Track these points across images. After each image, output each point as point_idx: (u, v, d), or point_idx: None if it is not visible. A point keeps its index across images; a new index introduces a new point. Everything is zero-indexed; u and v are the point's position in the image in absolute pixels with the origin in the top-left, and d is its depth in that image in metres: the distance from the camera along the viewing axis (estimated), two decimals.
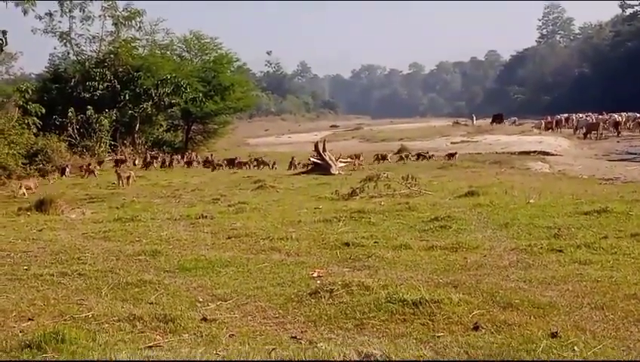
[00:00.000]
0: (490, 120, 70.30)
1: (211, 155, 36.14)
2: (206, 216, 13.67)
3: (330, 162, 27.00)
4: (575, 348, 5.52)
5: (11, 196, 20.08)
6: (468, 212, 13.00)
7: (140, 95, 39.97)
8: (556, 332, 5.82)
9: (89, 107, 35.88)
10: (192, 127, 50.03)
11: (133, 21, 42.74)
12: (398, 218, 12.75)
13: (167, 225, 12.86)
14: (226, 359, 5.48)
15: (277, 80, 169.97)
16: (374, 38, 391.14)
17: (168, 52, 48.88)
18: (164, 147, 44.89)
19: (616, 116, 53.49)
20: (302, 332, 6.17)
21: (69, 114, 34.99)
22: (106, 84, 39.19)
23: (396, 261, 8.93)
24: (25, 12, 36.34)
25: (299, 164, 30.51)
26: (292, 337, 6.02)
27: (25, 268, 9.09)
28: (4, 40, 22.68)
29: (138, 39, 44.32)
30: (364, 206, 14.48)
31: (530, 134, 51.07)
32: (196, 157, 36.59)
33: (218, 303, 7.16)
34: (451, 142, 44.65)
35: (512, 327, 6.04)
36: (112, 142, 37.56)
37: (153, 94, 39.79)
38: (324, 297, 7.10)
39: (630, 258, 8.64)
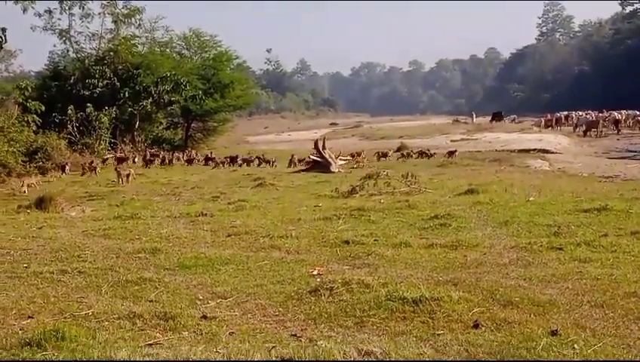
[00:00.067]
0: (489, 118, 70.26)
1: (211, 153, 36.11)
2: (206, 214, 13.69)
3: (329, 160, 26.99)
4: (575, 345, 5.52)
5: (11, 194, 20.10)
6: (468, 210, 13.01)
7: (139, 92, 39.94)
8: (556, 330, 5.82)
9: (89, 105, 35.83)
10: (192, 125, 50.00)
11: (132, 19, 42.67)
12: (398, 216, 12.75)
13: (166, 222, 12.86)
14: (226, 357, 5.48)
15: (276, 78, 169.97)
16: (374, 36, 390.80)
17: (168, 50, 48.84)
18: (164, 145, 44.86)
19: (615, 114, 53.50)
20: (302, 330, 6.17)
21: (69, 111, 34.93)
22: (105, 82, 39.14)
23: (396, 259, 8.94)
24: (24, 9, 36.61)
25: (301, 161, 30.42)
26: (292, 335, 6.02)
27: (25, 265, 9.10)
28: (3, 37, 22.72)
29: (138, 37, 44.30)
30: (364, 204, 14.48)
31: (530, 132, 51.05)
32: (196, 155, 36.55)
33: (218, 301, 7.16)
34: (451, 140, 44.59)
35: (512, 325, 6.04)
36: (112, 140, 37.53)
37: (153, 92, 39.76)
38: (324, 295, 7.10)
39: (630, 256, 8.64)
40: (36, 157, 28.03)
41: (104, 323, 6.39)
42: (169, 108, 45.63)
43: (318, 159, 27.20)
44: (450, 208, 13.17)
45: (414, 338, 5.81)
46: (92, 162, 28.61)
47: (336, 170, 26.04)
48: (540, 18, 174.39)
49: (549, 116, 63.40)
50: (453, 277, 7.76)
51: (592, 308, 6.53)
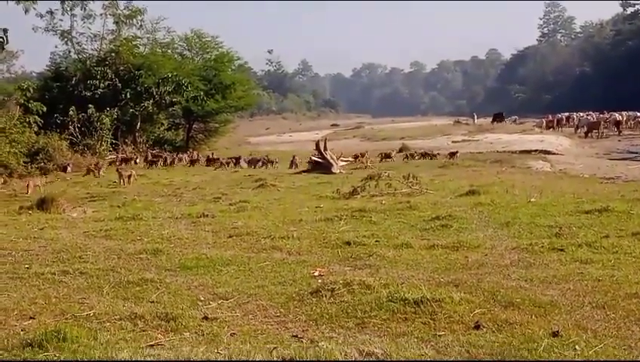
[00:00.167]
0: (491, 119, 70.22)
1: (212, 154, 36.08)
2: (207, 215, 13.69)
3: (331, 161, 26.97)
4: (576, 347, 5.53)
5: (13, 195, 20.11)
6: (469, 211, 13.01)
7: (141, 93, 39.95)
8: (557, 331, 5.82)
9: (90, 106, 35.84)
10: (193, 126, 49.94)
11: (134, 20, 42.76)
12: (399, 217, 12.76)
13: (168, 223, 12.87)
14: (227, 358, 5.49)
15: (278, 78, 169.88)
16: (375, 36, 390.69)
17: (169, 50, 48.82)
18: (165, 146, 44.82)
19: (617, 115, 53.45)
20: (303, 331, 6.17)
21: (70, 112, 34.95)
22: (107, 83, 39.15)
23: (397, 260, 8.95)
24: (26, 10, 36.50)
25: (305, 162, 30.38)
26: (293, 336, 6.03)
27: (26, 266, 9.11)
28: (5, 38, 22.68)
29: (139, 38, 44.34)
30: (365, 205, 14.49)
31: (531, 133, 50.99)
32: (197, 156, 36.50)
33: (219, 302, 7.17)
34: (452, 141, 44.55)
35: (514, 326, 6.05)
36: (113, 141, 37.55)
37: (154, 93, 39.77)
38: (326, 296, 7.10)
39: (631, 257, 8.65)
40: (38, 158, 28.06)
41: (105, 324, 6.40)
42: (170, 109, 45.60)
43: (320, 160, 27.18)
44: (451, 209, 13.17)
45: (415, 339, 5.82)
46: (98, 163, 28.67)
47: (338, 171, 26.03)
48: (541, 19, 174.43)
49: (550, 117, 63.32)
50: (454, 278, 7.77)
51: (594, 309, 6.53)
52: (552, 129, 56.78)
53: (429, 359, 5.41)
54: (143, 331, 6.22)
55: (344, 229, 11.52)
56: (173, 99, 41.48)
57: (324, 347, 5.60)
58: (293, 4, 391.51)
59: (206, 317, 6.56)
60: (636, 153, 34.52)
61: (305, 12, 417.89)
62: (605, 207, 12.32)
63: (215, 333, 6.10)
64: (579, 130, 51.58)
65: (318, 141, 29.24)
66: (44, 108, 30.03)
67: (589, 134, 47.70)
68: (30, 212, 15.10)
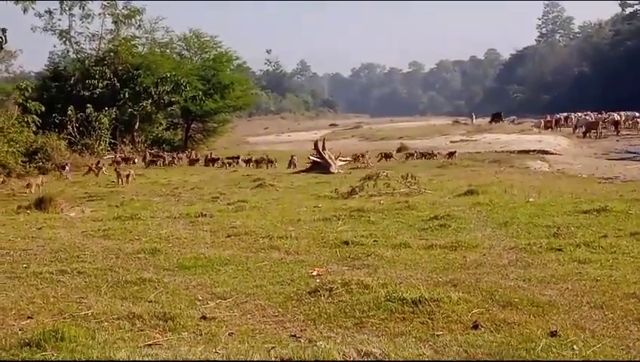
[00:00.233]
0: (489, 119, 70.27)
1: (211, 153, 36.06)
2: (205, 215, 13.68)
3: (329, 161, 26.99)
4: (574, 346, 5.53)
5: (11, 194, 20.09)
6: (467, 211, 13.02)
7: (139, 93, 39.94)
8: (555, 331, 5.82)
9: (89, 105, 35.83)
10: (192, 126, 49.95)
11: (132, 19, 42.72)
12: (398, 217, 12.76)
13: (166, 223, 12.86)
14: (225, 357, 5.48)
15: (276, 78, 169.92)
16: (374, 36, 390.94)
17: (168, 50, 48.80)
18: (164, 145, 44.82)
19: (615, 115, 53.49)
20: (301, 330, 6.17)
21: (69, 112, 34.93)
22: (105, 83, 39.13)
23: (395, 260, 8.94)
24: (25, 10, 36.52)
25: (304, 162, 30.36)
26: (291, 336, 6.02)
27: (24, 266, 9.10)
28: (3, 38, 22.71)
29: (138, 37, 44.29)
30: (363, 204, 14.49)
31: (530, 133, 51.04)
32: (197, 155, 36.47)
33: (217, 301, 7.16)
34: (451, 141, 44.59)
35: (512, 326, 6.05)
36: (112, 141, 37.54)
37: (153, 92, 39.76)
38: (324, 296, 7.10)
39: (629, 257, 8.65)
40: (36, 157, 28.03)
41: (103, 324, 6.39)
42: (169, 109, 45.62)
43: (318, 160, 27.20)
44: (449, 209, 13.17)
45: (414, 339, 5.82)
46: (98, 162, 28.68)
47: (336, 171, 26.06)
48: (539, 19, 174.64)
49: (548, 117, 63.44)
50: (452, 278, 7.77)
51: (592, 309, 6.53)
52: (550, 129, 56.87)
53: (427, 359, 5.41)
54: (141, 331, 6.21)
55: (342, 229, 11.52)
56: (172, 99, 41.49)
57: (323, 347, 5.60)
58: (293, 4, 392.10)
59: (204, 317, 6.56)
60: (634, 153, 34.58)
61: (305, 12, 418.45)
62: (603, 207, 12.33)
63: (213, 333, 6.10)
64: (577, 130, 51.65)
65: (317, 141, 29.24)
66: (43, 108, 29.97)
67: (588, 134, 47.76)
68: (28, 211, 15.08)
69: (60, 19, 41.92)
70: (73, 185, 23.36)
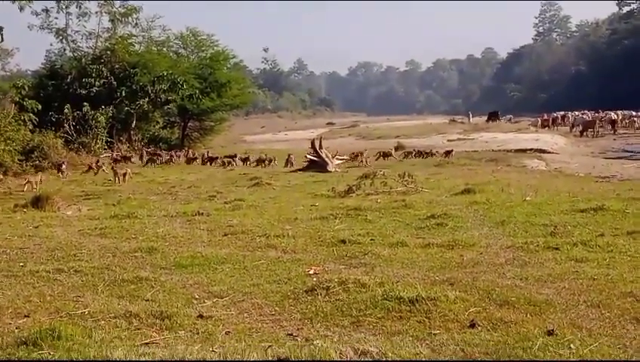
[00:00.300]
0: (486, 118, 70.25)
1: (208, 152, 36.00)
2: (202, 213, 13.69)
3: (326, 159, 26.97)
4: (571, 345, 5.53)
5: (8, 193, 20.07)
6: (464, 209, 13.03)
7: (136, 92, 39.85)
8: (552, 330, 5.83)
9: (85, 104, 35.76)
10: (189, 124, 49.86)
11: (129, 18, 42.62)
12: (395, 215, 12.76)
13: (163, 222, 12.86)
14: (222, 356, 5.48)
15: (273, 77, 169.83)
16: (374, 36, 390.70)
17: (165, 49, 48.68)
18: (161, 144, 44.73)
19: (612, 114, 53.54)
20: (298, 329, 6.17)
21: (66, 110, 34.85)
22: (102, 81, 39.04)
23: (392, 258, 8.95)
24: (21, 8, 36.50)
25: (301, 160, 30.32)
26: (288, 334, 6.03)
27: (21, 264, 9.10)
28: (0, 36, 22.69)
29: (134, 36, 44.19)
30: (360, 203, 14.49)
31: (527, 132, 51.05)
32: (193, 154, 36.38)
33: (214, 300, 7.17)
34: (448, 140, 44.52)
35: (509, 325, 6.05)
36: (109, 139, 37.49)
37: (149, 91, 39.68)
38: (321, 294, 7.11)
39: (626, 256, 8.66)
40: (33, 156, 27.96)
41: (100, 322, 6.40)
42: (166, 108, 45.54)
43: (315, 159, 27.18)
44: (446, 208, 13.19)
45: (411, 338, 5.82)
46: (98, 161, 28.67)
47: (333, 170, 26.05)
48: (536, 18, 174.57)
49: (545, 116, 63.36)
50: (449, 276, 7.77)
51: (589, 307, 6.54)
52: (547, 128, 56.80)
53: (424, 358, 5.41)
54: (138, 329, 6.21)
55: (339, 228, 11.53)
56: (169, 98, 41.42)
57: (319, 345, 5.60)
58: (293, 3, 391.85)
59: (201, 316, 6.56)
60: (631, 152, 34.56)
61: (305, 12, 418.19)
62: (600, 206, 12.35)
63: (210, 332, 6.10)
64: (574, 128, 51.65)
65: (314, 139, 29.21)
66: (39, 106, 29.94)
67: (585, 133, 47.76)
68: (25, 210, 15.07)
69: (56, 18, 41.97)
70: (70, 183, 23.34)
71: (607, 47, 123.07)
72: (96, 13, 42.01)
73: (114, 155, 33.50)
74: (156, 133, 47.24)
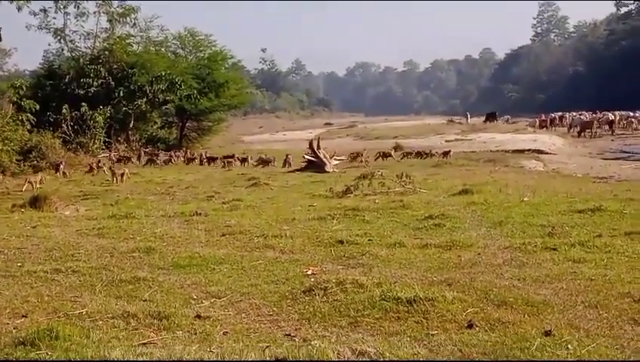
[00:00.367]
0: (484, 118, 70.24)
1: (206, 152, 36.03)
2: (200, 214, 13.69)
3: (324, 160, 26.98)
4: (569, 346, 5.53)
5: (5, 193, 20.06)
6: (462, 210, 13.03)
7: (134, 92, 39.86)
8: (550, 331, 5.83)
9: (83, 104, 35.77)
10: (187, 124, 49.87)
11: (127, 18, 42.68)
12: (393, 216, 12.76)
13: (161, 222, 12.86)
14: (219, 356, 5.48)
15: (271, 77, 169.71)
16: (374, 36, 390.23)
17: (163, 49, 48.71)
18: (159, 144, 44.76)
19: (610, 115, 53.53)
20: (296, 329, 6.17)
21: (63, 110, 34.88)
22: (100, 81, 39.07)
23: (390, 259, 8.95)
24: (19, 8, 36.51)
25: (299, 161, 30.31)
26: (286, 335, 6.03)
27: (19, 264, 9.10)
28: None
29: (132, 36, 44.24)
30: (358, 204, 14.49)
31: (525, 132, 51.06)
32: (192, 154, 36.36)
33: (212, 300, 7.17)
34: (446, 140, 44.52)
35: (506, 325, 6.05)
36: (107, 139, 37.48)
37: (147, 91, 39.66)
38: (318, 295, 7.11)
39: (624, 256, 8.66)
40: (30, 156, 28.02)
41: (98, 323, 6.39)
42: (164, 108, 45.55)
43: (313, 159, 27.19)
44: (444, 208, 13.19)
45: (408, 339, 5.82)
46: (99, 161, 28.70)
47: (331, 170, 26.06)
48: (534, 18, 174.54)
49: (543, 117, 63.34)
50: (447, 277, 7.77)
51: (586, 308, 6.54)
52: (545, 128, 56.81)
53: (421, 358, 5.41)
54: (136, 330, 6.21)
55: (337, 228, 11.52)
56: (167, 98, 41.42)
57: (317, 346, 5.60)
58: (293, 3, 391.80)
59: (199, 316, 6.56)
60: (629, 153, 34.61)
61: (305, 12, 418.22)
62: (598, 207, 12.35)
63: (208, 332, 6.10)
64: (572, 129, 51.66)
65: (312, 140, 29.25)
66: (37, 107, 29.97)
67: (582, 134, 47.77)
68: (23, 210, 15.08)
69: (54, 18, 42.01)
70: (68, 183, 23.35)
71: (605, 48, 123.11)
72: (94, 13, 42.14)
73: (114, 155, 33.54)
74: (154, 134, 47.26)
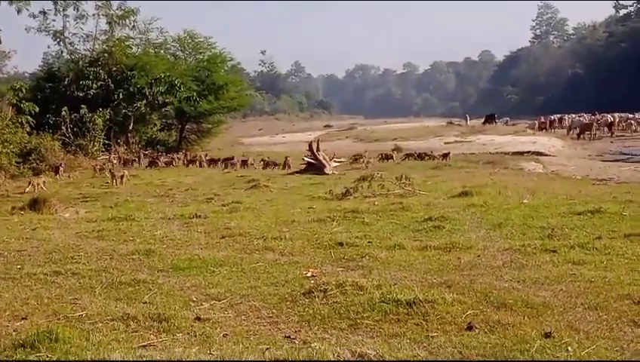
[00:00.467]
0: (483, 120, 70.20)
1: (206, 155, 36.06)
2: (200, 216, 13.69)
3: (324, 162, 26.98)
4: (569, 348, 5.54)
5: (5, 195, 20.05)
6: (461, 212, 13.03)
7: (133, 94, 39.80)
8: (550, 333, 5.83)
9: (83, 106, 35.73)
10: (186, 127, 49.83)
11: (127, 20, 42.57)
12: (392, 218, 12.77)
13: (160, 224, 12.86)
14: (219, 358, 5.48)
15: (271, 79, 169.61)
16: (371, 36, 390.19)
17: (162, 51, 48.64)
18: (158, 146, 44.72)
19: (609, 117, 53.50)
20: (295, 331, 6.17)
21: (63, 113, 34.83)
22: (99, 83, 39.01)
23: (390, 261, 8.95)
24: (19, 11, 36.46)
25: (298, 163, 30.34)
26: (286, 337, 6.03)
27: (18, 267, 9.10)
28: None
29: (132, 38, 44.14)
30: (357, 206, 14.50)
31: (524, 134, 51.05)
32: (193, 157, 36.35)
33: (212, 303, 7.17)
34: (445, 143, 44.53)
35: (506, 327, 6.06)
36: (106, 141, 37.45)
37: (147, 93, 39.62)
38: (318, 297, 7.11)
39: (623, 258, 8.67)
40: (30, 158, 28.02)
41: (98, 325, 6.39)
42: (163, 110, 45.45)
43: (313, 161, 27.20)
44: (444, 210, 13.19)
45: (408, 341, 5.83)
46: (104, 163, 28.70)
47: (331, 172, 26.05)
48: (534, 20, 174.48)
49: (542, 119, 63.36)
50: (446, 279, 7.78)
51: (586, 310, 6.54)
52: (544, 130, 56.78)
53: (421, 360, 5.41)
54: (136, 332, 6.21)
55: (337, 230, 11.53)
56: (166, 100, 41.33)
57: (317, 348, 5.60)
58: (293, 4, 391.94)
59: (198, 318, 6.56)
60: (628, 154, 34.61)
61: (305, 12, 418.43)
62: (598, 209, 12.37)
63: (207, 334, 6.10)
64: (571, 131, 51.62)
65: (311, 142, 29.24)
66: (37, 109, 29.97)
67: (582, 136, 47.77)
68: (22, 212, 15.08)
69: (54, 20, 41.88)
70: (67, 185, 23.35)
71: (604, 50, 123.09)
72: (94, 15, 42.02)
73: (113, 157, 33.56)
74: (153, 136, 47.19)
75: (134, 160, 33.76)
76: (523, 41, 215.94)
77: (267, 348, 5.63)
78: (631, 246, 9.30)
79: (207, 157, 34.33)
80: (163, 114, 47.38)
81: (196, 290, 7.70)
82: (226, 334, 6.12)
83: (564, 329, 5.97)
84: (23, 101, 30.21)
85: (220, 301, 7.22)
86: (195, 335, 6.08)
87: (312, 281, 7.82)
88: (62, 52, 43.51)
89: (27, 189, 20.12)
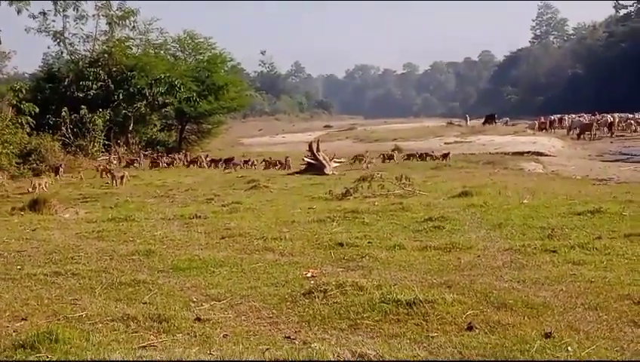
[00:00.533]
0: (483, 120, 70.18)
1: (206, 155, 36.06)
2: (200, 216, 13.68)
3: (324, 162, 26.97)
4: (569, 348, 5.54)
5: (5, 196, 20.04)
6: (461, 212, 13.03)
7: (133, 95, 39.80)
8: (550, 333, 5.83)
9: (83, 106, 35.72)
10: (186, 127, 49.82)
11: (127, 20, 42.58)
12: (392, 218, 12.77)
13: (160, 224, 12.86)
14: (219, 359, 5.48)
15: (271, 80, 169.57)
16: (371, 36, 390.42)
17: (162, 51, 48.61)
18: (158, 147, 44.70)
19: (609, 117, 53.51)
20: (296, 332, 6.17)
21: (63, 113, 34.82)
22: (99, 84, 39.01)
23: (390, 261, 8.95)
24: (19, 11, 36.47)
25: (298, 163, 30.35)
26: (286, 337, 6.03)
27: (18, 267, 9.10)
28: None
29: (132, 39, 44.13)
30: (357, 206, 14.50)
31: (524, 135, 51.05)
32: (194, 157, 36.36)
33: (212, 303, 7.16)
34: (445, 143, 44.53)
35: (506, 327, 6.06)
36: (106, 142, 37.44)
37: (147, 94, 39.60)
38: (318, 297, 7.11)
39: (624, 258, 8.67)
40: (30, 158, 28.01)
41: (98, 326, 6.39)
42: (163, 111, 45.43)
43: (313, 161, 27.20)
44: (444, 210, 13.19)
45: (408, 341, 5.82)
46: (108, 164, 28.73)
47: (330, 173, 26.04)
48: (534, 20, 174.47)
49: (542, 119, 63.36)
50: (447, 279, 7.78)
51: (586, 310, 6.54)
52: (544, 130, 56.79)
53: (421, 360, 5.41)
54: (136, 332, 6.21)
55: (337, 230, 11.53)
56: (166, 101, 41.30)
57: (317, 348, 5.60)
58: (293, 4, 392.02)
59: (199, 319, 6.56)
60: (628, 155, 34.62)
61: (305, 12, 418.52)
62: (598, 209, 12.38)
63: (208, 334, 6.10)
64: (571, 131, 51.62)
65: (311, 142, 29.23)
66: (37, 109, 29.98)
67: (582, 136, 47.78)
68: (22, 213, 15.07)
69: (54, 21, 41.89)
70: (67, 186, 23.33)
71: (604, 50, 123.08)
72: (94, 16, 42.05)
73: (113, 158, 33.57)
74: (153, 136, 47.17)
75: (135, 160, 33.78)
76: (523, 41, 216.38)
77: (267, 349, 5.63)
78: (631, 247, 9.30)
79: (208, 158, 34.32)
80: (163, 114, 47.37)
81: (196, 291, 7.70)
82: (226, 334, 6.12)
83: (565, 330, 5.98)
84: (23, 102, 30.21)
85: (220, 301, 7.22)
86: (195, 336, 6.08)
87: (312, 282, 7.82)
88: (62, 52, 43.55)
89: (30, 190, 20.10)
